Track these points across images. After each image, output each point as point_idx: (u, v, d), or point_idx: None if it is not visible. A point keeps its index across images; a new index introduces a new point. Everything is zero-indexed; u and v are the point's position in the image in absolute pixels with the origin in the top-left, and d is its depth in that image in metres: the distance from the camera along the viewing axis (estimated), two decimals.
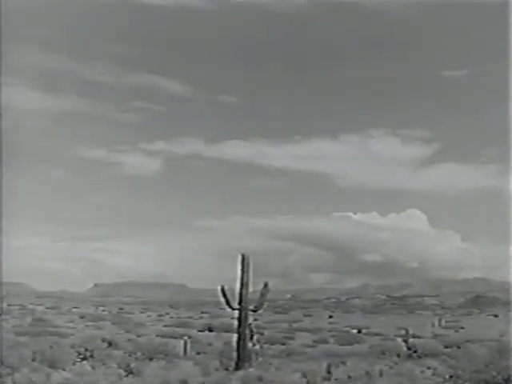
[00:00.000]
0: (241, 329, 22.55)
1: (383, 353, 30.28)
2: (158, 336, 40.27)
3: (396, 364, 24.72)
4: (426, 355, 29.07)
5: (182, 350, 29.09)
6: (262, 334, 45.09)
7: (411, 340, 33.97)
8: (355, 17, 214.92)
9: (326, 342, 42.87)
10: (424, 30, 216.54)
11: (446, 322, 74.20)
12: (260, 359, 24.46)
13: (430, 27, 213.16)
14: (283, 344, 39.01)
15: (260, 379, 19.13)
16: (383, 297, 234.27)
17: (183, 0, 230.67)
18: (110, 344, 29.85)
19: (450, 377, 19.54)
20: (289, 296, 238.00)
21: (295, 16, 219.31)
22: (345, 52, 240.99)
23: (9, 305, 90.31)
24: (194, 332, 47.01)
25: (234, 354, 22.56)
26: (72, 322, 59.13)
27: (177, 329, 50.31)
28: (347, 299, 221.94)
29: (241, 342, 22.45)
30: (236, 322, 22.79)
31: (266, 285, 23.08)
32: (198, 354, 28.94)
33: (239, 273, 22.51)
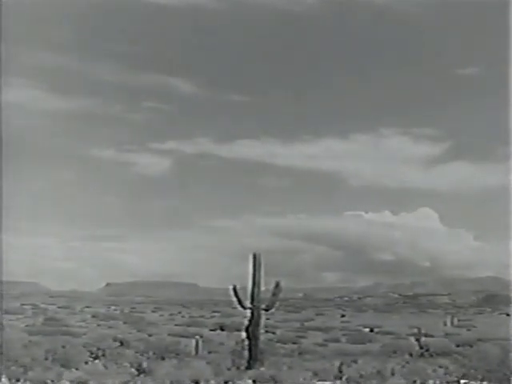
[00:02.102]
0: (252, 328, 22.57)
1: (395, 352, 30.24)
2: (169, 335, 40.34)
3: (408, 363, 24.68)
4: (438, 354, 29.01)
5: (193, 349, 29.13)
6: (273, 333, 45.24)
7: (423, 339, 33.93)
8: (365, 15, 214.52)
9: (337, 340, 42.80)
10: (434, 27, 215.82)
11: (458, 320, 73.93)
12: (273, 358, 24.53)
13: (440, 25, 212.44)
14: (295, 343, 39.00)
15: (272, 378, 19.15)
16: (395, 296, 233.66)
17: None
18: (121, 343, 29.96)
19: (463, 376, 19.50)
20: (300, 295, 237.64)
21: (305, 15, 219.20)
22: (355, 50, 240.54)
23: (22, 304, 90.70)
24: (205, 331, 47.06)
25: (246, 353, 22.58)
26: (84, 321, 59.31)
27: (188, 328, 50.37)
28: (359, 298, 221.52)
29: (252, 341, 22.47)
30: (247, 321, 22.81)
31: (277, 284, 23.09)
32: (210, 353, 28.97)
33: (251, 272, 22.53)
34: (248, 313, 22.69)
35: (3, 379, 16.94)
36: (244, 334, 23.21)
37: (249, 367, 21.78)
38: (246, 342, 22.82)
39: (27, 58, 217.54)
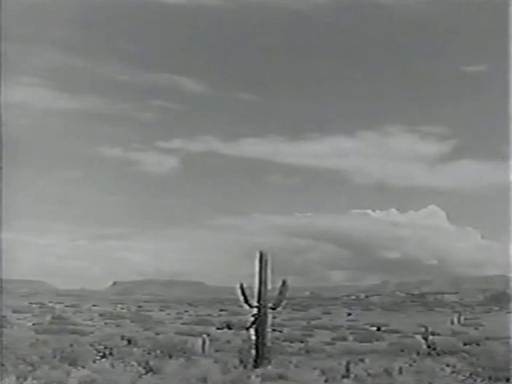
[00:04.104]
0: (260, 326, 22.57)
1: (402, 350, 30.22)
2: (176, 334, 40.34)
3: (415, 361, 24.66)
4: (445, 353, 28.97)
5: (200, 347, 29.14)
6: (280, 331, 45.22)
7: (430, 337, 33.86)
8: (371, 13, 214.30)
9: (344, 339, 42.78)
10: (440, 25, 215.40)
11: (466, 319, 73.77)
12: (280, 357, 24.55)
13: (446, 22, 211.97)
14: (302, 341, 38.99)
15: (279, 376, 19.15)
16: (402, 294, 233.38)
17: None
18: (129, 342, 30.00)
19: (470, 374, 19.47)
20: (307, 293, 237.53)
21: (311, 13, 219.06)
22: (360, 48, 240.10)
23: (29, 303, 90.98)
24: (212, 330, 47.09)
25: (253, 352, 22.58)
26: (91, 319, 59.42)
27: (196, 326, 50.41)
28: (366, 296, 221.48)
29: (259, 340, 22.46)
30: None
31: (284, 282, 23.08)
32: (217, 351, 28.98)
33: (257, 270, 22.52)
34: (254, 311, 22.68)
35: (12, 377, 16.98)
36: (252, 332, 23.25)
37: (256, 366, 21.78)
38: (253, 341, 22.80)
39: (34, 57, 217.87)
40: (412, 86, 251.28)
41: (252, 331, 23.48)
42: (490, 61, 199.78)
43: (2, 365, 18.52)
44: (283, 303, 23.35)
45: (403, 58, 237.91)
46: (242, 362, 22.65)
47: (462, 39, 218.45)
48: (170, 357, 25.05)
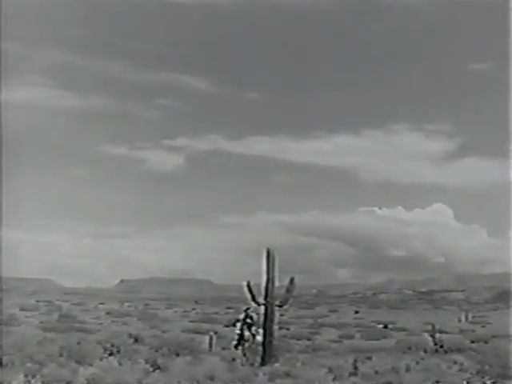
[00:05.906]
0: (266, 324, 22.54)
1: (409, 348, 30.18)
2: (183, 332, 40.41)
3: (422, 359, 24.59)
4: (452, 350, 28.93)
5: (207, 345, 29.15)
6: (287, 329, 45.24)
7: (438, 335, 33.81)
8: (377, 12, 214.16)
9: (351, 337, 42.78)
10: (445, 24, 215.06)
11: (473, 317, 73.74)
12: (287, 354, 24.52)
13: (450, 22, 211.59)
14: (309, 339, 38.99)
15: (286, 374, 19.12)
16: (409, 292, 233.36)
17: None
18: (136, 340, 30.03)
19: (477, 372, 19.42)
20: (314, 291, 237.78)
21: (317, 12, 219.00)
22: (365, 48, 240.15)
23: (37, 301, 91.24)
24: (219, 327, 47.12)
25: (260, 350, 22.55)
26: (98, 318, 59.55)
27: (202, 324, 50.45)
28: (373, 294, 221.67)
29: (266, 338, 22.44)
30: (262, 318, 22.76)
31: (292, 280, 23.04)
32: (224, 349, 28.98)
33: (264, 268, 22.47)
34: (262, 309, 22.65)
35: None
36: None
37: (263, 363, 21.76)
38: (259, 339, 22.75)
39: (41, 57, 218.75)
40: (416, 85, 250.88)
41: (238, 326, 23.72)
42: (493, 58, 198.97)
43: (5, 364, 18.56)
44: (290, 301, 23.32)
45: (407, 57, 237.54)
46: (248, 359, 22.64)
47: (465, 38, 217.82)
48: (177, 355, 25.07)
